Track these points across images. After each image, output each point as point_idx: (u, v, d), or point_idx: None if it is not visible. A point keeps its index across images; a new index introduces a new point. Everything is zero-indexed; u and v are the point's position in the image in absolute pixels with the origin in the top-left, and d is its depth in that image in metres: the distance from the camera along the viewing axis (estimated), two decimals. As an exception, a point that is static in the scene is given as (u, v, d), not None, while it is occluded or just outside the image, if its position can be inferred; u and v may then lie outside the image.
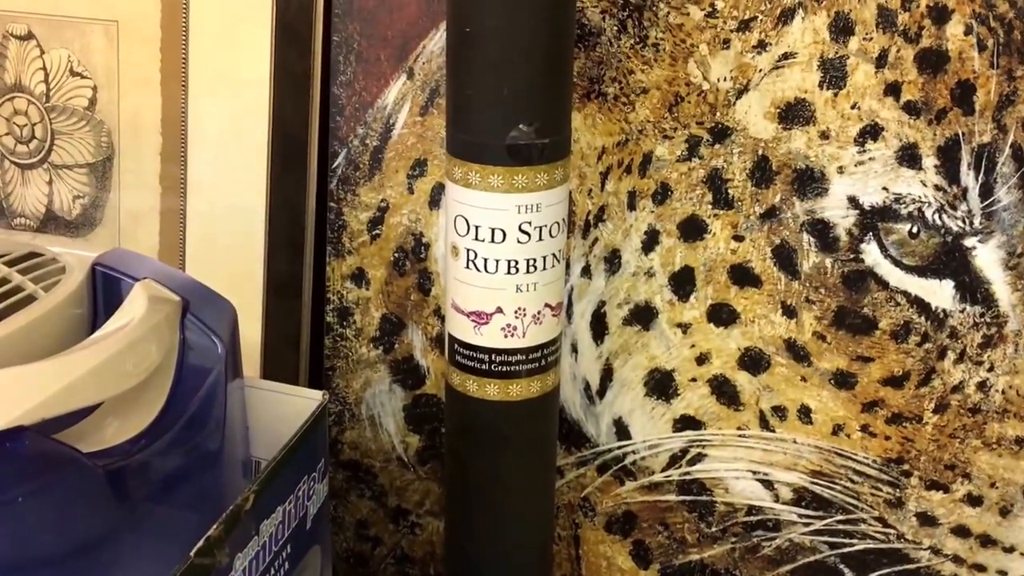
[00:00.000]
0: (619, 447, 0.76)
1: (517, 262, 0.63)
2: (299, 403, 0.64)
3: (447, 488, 0.73)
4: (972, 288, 0.67)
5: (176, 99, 0.83)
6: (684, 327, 0.73)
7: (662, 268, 0.72)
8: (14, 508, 0.46)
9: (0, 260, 0.55)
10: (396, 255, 0.78)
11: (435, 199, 0.76)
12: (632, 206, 0.72)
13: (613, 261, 0.73)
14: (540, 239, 0.63)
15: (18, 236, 0.87)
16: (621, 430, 0.76)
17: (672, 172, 0.70)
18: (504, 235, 0.63)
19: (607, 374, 0.75)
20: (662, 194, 0.71)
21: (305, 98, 0.79)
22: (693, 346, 0.73)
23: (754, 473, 0.74)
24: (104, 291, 0.60)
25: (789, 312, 0.70)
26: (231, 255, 0.82)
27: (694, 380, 0.73)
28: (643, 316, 0.74)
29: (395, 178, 0.76)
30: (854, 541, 0.73)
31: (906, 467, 0.70)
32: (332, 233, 0.79)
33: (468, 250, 0.64)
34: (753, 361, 0.72)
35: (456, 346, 0.66)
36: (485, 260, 0.63)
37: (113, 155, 0.86)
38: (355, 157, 0.77)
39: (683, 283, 0.72)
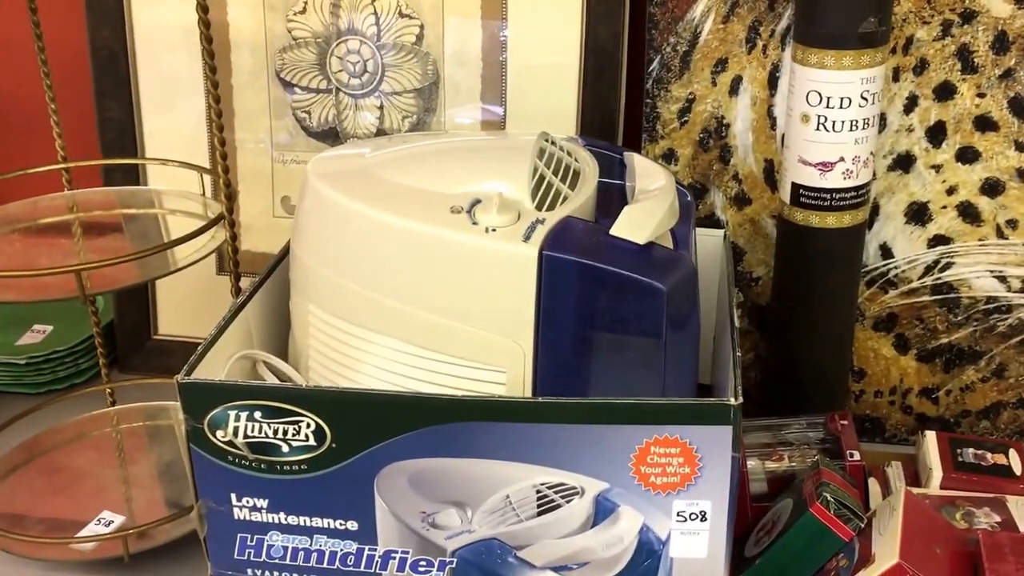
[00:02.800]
0: (883, 265, 1.00)
1: (857, 122, 0.86)
2: (710, 239, 0.87)
3: (775, 304, 0.97)
4: None
5: (495, 28, 1.03)
6: (937, 167, 0.97)
7: (920, 124, 0.96)
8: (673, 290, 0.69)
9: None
10: (701, 135, 1.00)
11: (734, 88, 0.98)
12: (896, 78, 0.95)
13: (880, 123, 0.96)
14: (872, 103, 0.87)
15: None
16: (885, 252, 1.00)
17: (929, 49, 0.94)
18: (850, 102, 0.86)
19: (874, 211, 0.99)
20: (920, 67, 0.95)
21: (616, 17, 1.00)
22: (944, 181, 0.97)
23: (991, 272, 0.98)
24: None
25: (1021, 147, 0.95)
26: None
27: (944, 207, 0.98)
28: (904, 162, 0.97)
29: (701, 75, 0.98)
30: (1065, 315, 0.99)
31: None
32: (647, 123, 1.01)
33: (819, 116, 0.87)
34: (991, 187, 0.96)
35: (801, 191, 0.89)
36: (833, 122, 0.86)
37: (438, 80, 1.06)
38: (667, 61, 0.98)
39: (936, 134, 0.96)
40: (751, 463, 0.91)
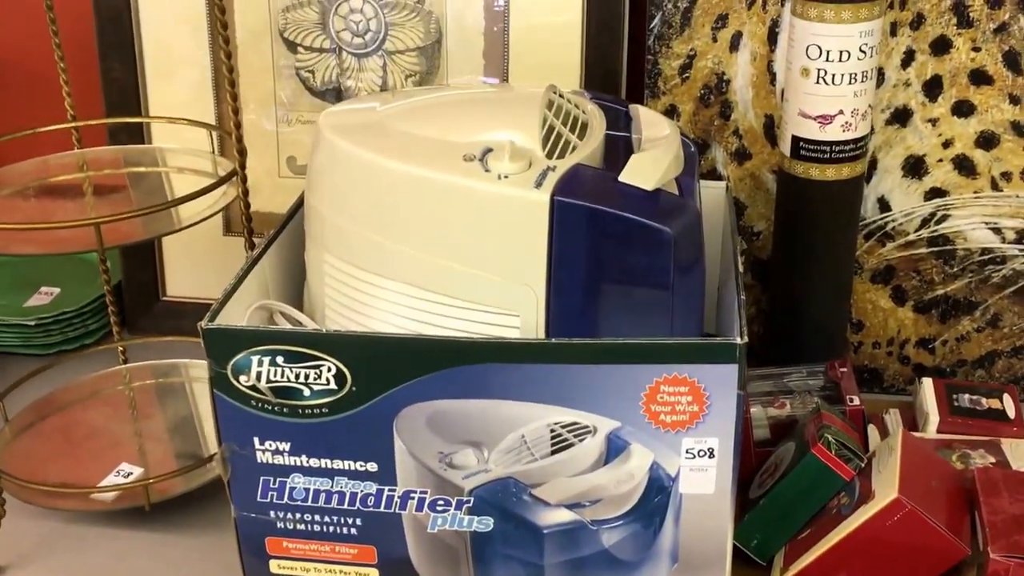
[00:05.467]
0: (881, 218, 1.02)
1: (856, 74, 0.88)
2: (712, 191, 0.90)
3: (776, 256, 0.99)
4: None
5: (498, -12, 1.05)
6: (933, 121, 0.99)
7: (917, 78, 0.98)
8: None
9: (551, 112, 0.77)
10: (702, 91, 1.02)
11: (734, 44, 1.00)
12: (893, 33, 0.97)
13: (877, 78, 0.98)
14: (870, 56, 0.89)
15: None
16: (883, 205, 1.02)
17: (925, 4, 0.96)
18: (848, 55, 0.88)
19: (872, 164, 1.01)
20: (917, 22, 0.96)
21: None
22: (940, 135, 0.99)
23: (986, 223, 1.01)
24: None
25: (1015, 100, 0.97)
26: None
27: (941, 160, 1.00)
28: (901, 116, 0.99)
29: (701, 31, 1.00)
30: (1058, 266, 1.01)
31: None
32: (649, 80, 1.02)
33: (819, 69, 0.89)
34: (987, 140, 0.98)
35: (801, 143, 0.91)
36: (833, 75, 0.88)
37: (441, 38, 1.07)
38: (668, 17, 1.00)
39: (933, 88, 0.98)
40: (754, 410, 0.93)
